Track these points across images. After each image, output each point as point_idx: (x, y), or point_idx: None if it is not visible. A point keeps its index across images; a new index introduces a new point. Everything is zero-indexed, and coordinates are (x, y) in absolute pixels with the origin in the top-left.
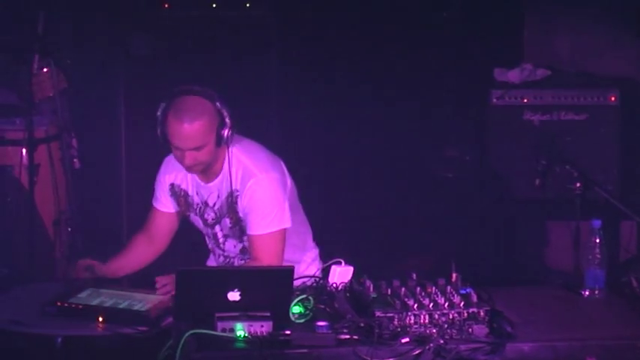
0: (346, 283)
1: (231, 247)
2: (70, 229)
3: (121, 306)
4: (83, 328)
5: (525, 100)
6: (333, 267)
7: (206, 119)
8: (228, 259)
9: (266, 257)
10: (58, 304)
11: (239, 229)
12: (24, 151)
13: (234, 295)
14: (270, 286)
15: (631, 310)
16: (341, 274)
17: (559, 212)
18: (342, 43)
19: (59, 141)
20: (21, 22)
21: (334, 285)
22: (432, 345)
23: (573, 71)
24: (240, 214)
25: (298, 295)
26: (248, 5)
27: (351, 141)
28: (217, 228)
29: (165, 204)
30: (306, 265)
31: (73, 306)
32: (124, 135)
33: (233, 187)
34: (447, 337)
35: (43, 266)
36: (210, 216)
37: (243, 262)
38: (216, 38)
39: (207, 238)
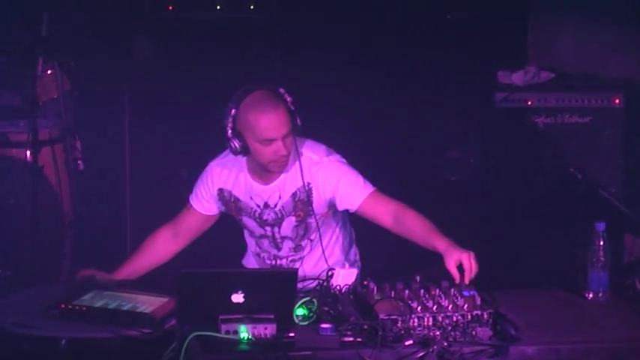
0: (350, 286)
1: (288, 247)
2: (73, 231)
3: (124, 308)
4: (87, 330)
5: (529, 103)
6: (337, 269)
7: (284, 105)
8: (277, 260)
9: (390, 202)
10: (62, 306)
11: (304, 226)
12: (28, 153)
13: (238, 297)
14: (274, 289)
15: (634, 313)
16: (345, 276)
17: (563, 215)
18: (345, 45)
19: (63, 143)
20: (25, 25)
21: (338, 287)
22: (435, 347)
23: (577, 74)
24: (316, 208)
25: (302, 298)
26: (252, 7)
27: (354, 143)
28: (277, 228)
29: (205, 206)
30: (355, 259)
31: (77, 308)
32: (128, 137)
33: (302, 182)
34: (450, 339)
35: (46, 268)
36: (270, 216)
37: (292, 262)
38: (220, 40)
39: (254, 239)
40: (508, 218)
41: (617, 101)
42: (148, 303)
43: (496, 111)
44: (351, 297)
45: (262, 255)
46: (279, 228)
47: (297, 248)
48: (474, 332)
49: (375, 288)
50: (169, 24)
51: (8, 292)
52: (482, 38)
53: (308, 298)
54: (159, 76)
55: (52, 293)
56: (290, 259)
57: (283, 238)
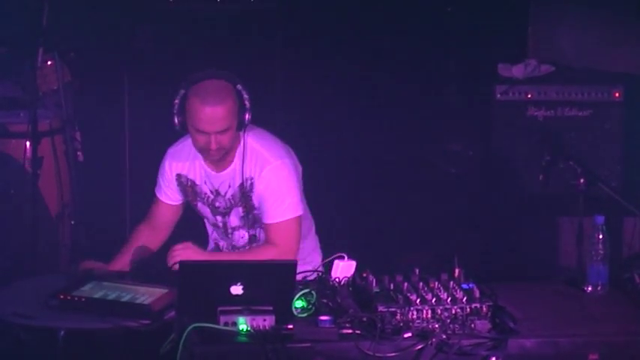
0: (349, 278)
1: (239, 237)
2: (73, 222)
3: (123, 299)
4: (86, 320)
5: (529, 96)
6: (336, 261)
7: (231, 101)
8: (235, 249)
9: (286, 243)
10: (61, 296)
11: (252, 217)
12: (27, 143)
13: (236, 289)
14: (273, 280)
15: (633, 307)
16: (344, 268)
17: (562, 208)
18: (345, 37)
19: (63, 134)
20: (25, 15)
21: (337, 279)
22: (434, 340)
23: (577, 67)
24: (255, 202)
25: (301, 290)
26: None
27: (354, 135)
28: (227, 217)
29: (169, 195)
30: (308, 251)
31: (76, 299)
32: (128, 128)
33: (247, 175)
34: (449, 332)
35: (46, 259)
36: (221, 204)
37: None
38: (221, 31)
39: (212, 228)
40: (507, 211)
41: (617, 95)
42: (148, 294)
43: (496, 104)
44: (350, 289)
45: (221, 244)
46: (229, 217)
47: (253, 239)
48: (472, 325)
49: (374, 280)
50: (170, 14)
51: (8, 282)
52: (482, 31)
53: (307, 290)
54: (159, 67)
55: (52, 284)
56: (260, 244)
57: (234, 228)
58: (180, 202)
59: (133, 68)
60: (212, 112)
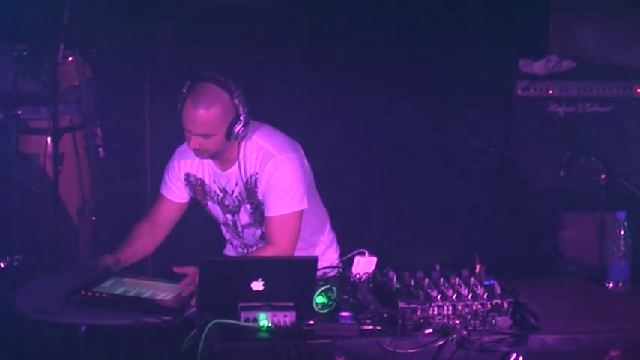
0: (370, 274)
1: (250, 235)
2: (94, 218)
3: (144, 295)
4: (107, 317)
5: (550, 92)
6: (357, 257)
7: (219, 110)
8: (247, 249)
9: (281, 240)
10: (82, 292)
11: (260, 214)
12: (49, 139)
13: (257, 285)
14: (293, 276)
15: None
16: (364, 264)
17: (583, 204)
18: (366, 34)
19: (84, 130)
20: (46, 12)
21: (358, 275)
22: (455, 336)
23: (599, 63)
24: (260, 197)
25: (322, 286)
26: None
27: (375, 132)
28: (237, 216)
29: (176, 193)
30: (325, 246)
31: (97, 295)
32: (149, 124)
33: (252, 171)
34: (470, 328)
35: (67, 255)
36: (230, 203)
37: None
38: (240, 27)
39: (224, 228)
40: (528, 207)
41: (638, 90)
42: (168, 290)
43: (517, 100)
44: (371, 285)
45: (234, 243)
46: (239, 216)
47: (263, 236)
48: (493, 321)
49: (395, 276)
50: (190, 11)
51: (29, 279)
52: (503, 27)
53: (328, 286)
54: (180, 63)
55: (73, 280)
56: (260, 246)
57: (244, 226)
58: (185, 200)
59: (153, 64)
60: (194, 113)
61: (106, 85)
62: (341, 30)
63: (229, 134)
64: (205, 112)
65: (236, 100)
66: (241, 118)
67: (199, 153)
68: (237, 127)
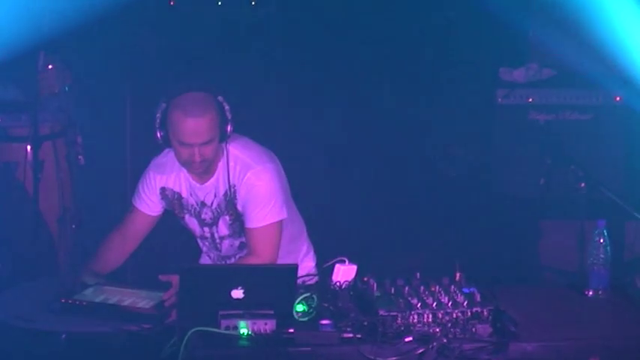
0: (350, 282)
1: (228, 246)
2: (74, 226)
3: (124, 303)
4: (87, 324)
5: (531, 100)
6: (337, 265)
7: (212, 113)
8: (224, 261)
9: (264, 250)
10: (63, 300)
11: (239, 224)
12: (29, 147)
13: (238, 293)
14: (274, 284)
15: (635, 311)
16: (345, 272)
17: (563, 212)
18: (346, 42)
19: (64, 138)
20: (27, 19)
21: (338, 283)
22: (435, 344)
23: (579, 71)
24: (239, 208)
25: (302, 294)
26: (253, 3)
27: (356, 139)
28: (215, 228)
29: (150, 206)
30: (302, 254)
31: (78, 303)
32: (129, 132)
33: (231, 182)
34: (450, 336)
35: (46, 263)
36: (207, 215)
37: (240, 260)
38: (221, 35)
39: (201, 241)
40: (509, 214)
41: (618, 98)
42: (149, 298)
43: (497, 107)
44: (351, 293)
45: (211, 255)
46: (217, 227)
47: (242, 246)
48: (473, 329)
49: (375, 284)
50: (171, 19)
51: (9, 286)
52: (484, 35)
53: (308, 294)
54: (161, 71)
55: (53, 287)
56: (238, 256)
57: (222, 238)
58: (158, 213)
59: (134, 72)
60: (195, 124)
61: (87, 92)
62: (321, 39)
63: (223, 135)
64: (204, 120)
65: (220, 98)
66: (228, 115)
67: (201, 165)
68: (228, 127)
